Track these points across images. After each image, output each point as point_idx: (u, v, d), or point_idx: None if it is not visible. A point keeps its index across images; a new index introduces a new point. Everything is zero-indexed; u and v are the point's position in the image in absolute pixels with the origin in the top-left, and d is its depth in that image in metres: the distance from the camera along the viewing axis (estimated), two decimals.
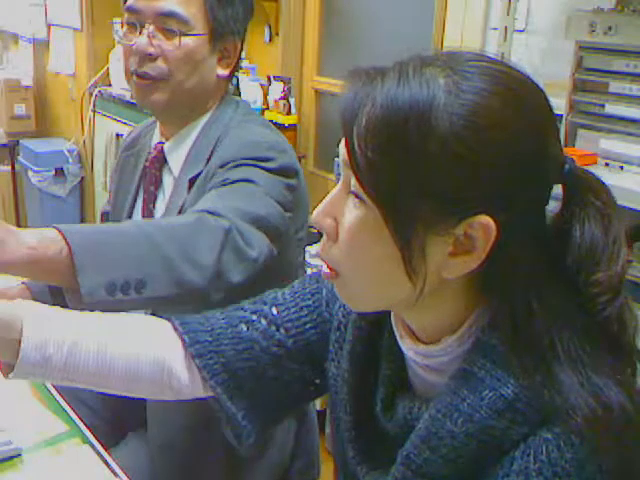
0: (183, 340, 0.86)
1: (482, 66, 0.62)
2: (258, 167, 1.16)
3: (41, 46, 4.13)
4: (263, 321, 0.88)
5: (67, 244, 0.90)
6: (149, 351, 0.85)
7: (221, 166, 1.18)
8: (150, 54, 1.22)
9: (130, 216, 1.37)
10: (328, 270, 0.68)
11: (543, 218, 0.66)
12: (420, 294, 0.65)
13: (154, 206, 1.33)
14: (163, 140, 1.33)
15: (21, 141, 3.97)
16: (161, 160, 1.32)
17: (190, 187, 1.23)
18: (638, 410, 0.62)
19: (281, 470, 1.35)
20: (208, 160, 1.23)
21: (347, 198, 0.65)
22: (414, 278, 0.63)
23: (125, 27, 1.26)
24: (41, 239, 0.90)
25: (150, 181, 1.33)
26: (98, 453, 1.07)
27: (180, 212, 1.21)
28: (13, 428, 1.07)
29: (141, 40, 1.22)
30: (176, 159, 1.31)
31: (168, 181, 1.32)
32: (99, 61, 3.61)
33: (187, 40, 1.23)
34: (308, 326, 0.88)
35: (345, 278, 0.68)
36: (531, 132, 0.62)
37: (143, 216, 1.34)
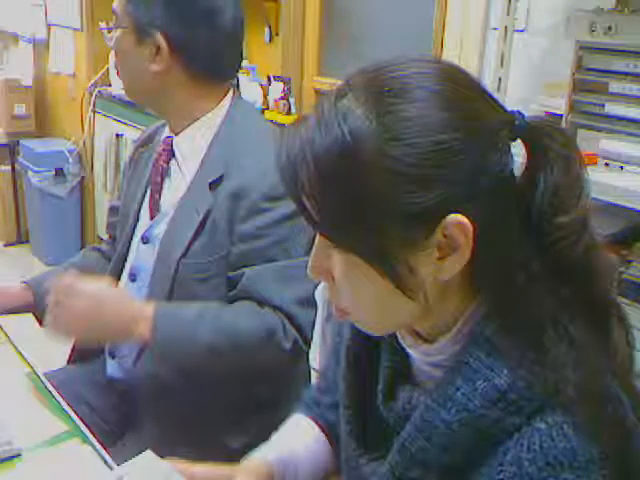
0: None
1: (398, 77, 0.63)
2: (291, 218, 1.24)
3: (41, 46, 4.13)
4: (322, 396, 0.99)
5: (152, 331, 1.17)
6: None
7: (262, 199, 1.23)
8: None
9: (139, 208, 1.40)
10: (338, 311, 0.71)
11: (511, 183, 0.66)
12: (426, 304, 0.66)
13: (160, 196, 1.36)
14: (172, 135, 1.36)
15: (21, 141, 3.97)
16: (169, 153, 1.36)
17: (210, 189, 1.27)
18: (624, 385, 0.64)
19: None
20: (226, 163, 1.27)
21: (329, 248, 0.66)
22: (413, 296, 0.64)
23: None
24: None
25: (157, 173, 1.36)
26: (98, 453, 1.07)
27: (206, 217, 1.26)
28: (13, 428, 1.07)
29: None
30: (186, 156, 1.34)
31: (175, 175, 1.36)
32: (99, 61, 3.61)
33: (110, 33, 1.31)
34: (336, 368, 0.93)
35: (354, 315, 0.70)
36: (460, 120, 0.61)
37: (150, 207, 1.37)
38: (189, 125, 1.33)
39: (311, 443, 0.96)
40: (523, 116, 0.65)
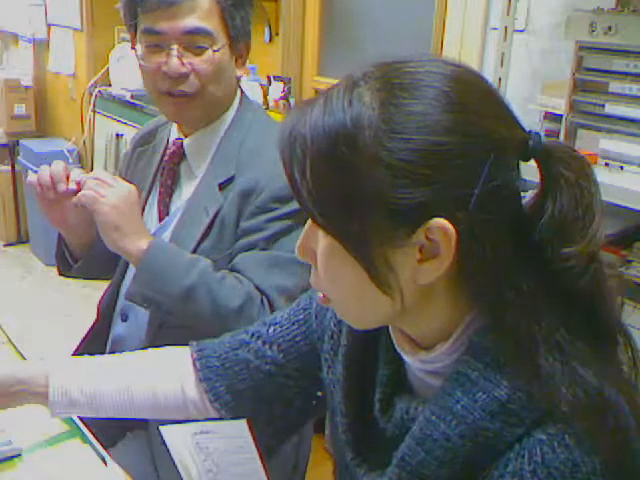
0: (195, 365, 0.95)
1: (413, 72, 0.62)
2: (294, 217, 1.24)
3: (41, 46, 4.13)
4: (258, 342, 0.94)
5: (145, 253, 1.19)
6: (166, 382, 0.96)
7: (271, 200, 1.24)
8: (183, 73, 1.24)
9: (143, 208, 1.40)
10: (322, 296, 0.71)
11: (514, 202, 0.65)
12: (402, 304, 0.65)
13: (170, 200, 1.37)
14: (182, 136, 1.36)
15: (21, 141, 3.97)
16: (180, 156, 1.36)
17: (220, 190, 1.28)
18: (625, 396, 0.63)
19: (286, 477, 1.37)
20: (237, 164, 1.28)
21: (317, 229, 0.67)
22: (389, 292, 0.64)
23: (144, 48, 1.27)
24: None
25: (168, 175, 1.37)
26: (98, 453, 1.07)
27: (215, 216, 1.27)
28: (13, 428, 1.07)
29: (173, 62, 1.24)
30: (197, 158, 1.34)
31: (186, 177, 1.36)
32: (99, 61, 3.61)
33: (216, 54, 1.25)
34: (298, 339, 0.92)
35: (333, 302, 0.70)
36: (463, 126, 0.60)
37: (159, 209, 1.37)
38: (202, 126, 1.34)
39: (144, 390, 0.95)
40: (539, 137, 0.64)
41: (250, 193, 1.25)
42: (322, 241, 0.66)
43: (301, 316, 0.93)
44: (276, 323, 0.95)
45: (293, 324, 0.93)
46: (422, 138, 0.59)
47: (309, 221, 0.68)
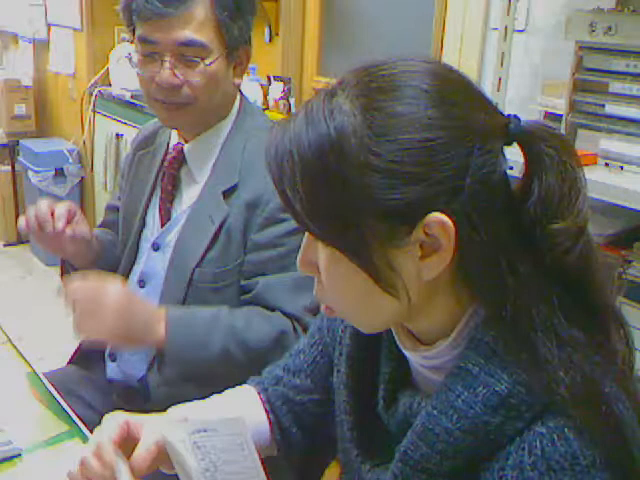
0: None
1: (388, 74, 0.63)
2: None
3: (41, 46, 4.13)
4: (289, 374, 0.96)
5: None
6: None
7: (280, 209, 1.21)
8: (175, 85, 1.24)
9: (145, 213, 1.40)
10: (325, 307, 0.72)
11: (503, 186, 0.65)
12: (409, 303, 0.66)
13: (171, 205, 1.36)
14: (182, 141, 1.36)
15: (21, 141, 3.97)
16: (180, 161, 1.35)
17: (225, 198, 1.27)
18: (619, 383, 0.63)
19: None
20: (240, 170, 1.28)
21: (316, 242, 0.67)
22: (395, 293, 0.64)
23: (140, 56, 1.26)
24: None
25: (169, 181, 1.36)
26: None
27: (221, 226, 1.25)
28: (13, 428, 1.07)
29: (165, 73, 1.23)
30: (198, 163, 1.34)
31: (187, 183, 1.35)
32: (99, 61, 3.61)
33: (209, 67, 1.24)
34: (318, 358, 0.94)
35: (339, 312, 0.71)
36: (447, 120, 0.61)
37: (160, 214, 1.37)
38: (201, 132, 1.33)
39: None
40: (519, 120, 0.65)
41: (257, 204, 1.24)
42: (323, 252, 0.66)
43: (317, 336, 0.95)
44: (299, 351, 0.97)
45: (312, 346, 0.95)
46: (407, 137, 0.60)
47: (306, 235, 0.69)
